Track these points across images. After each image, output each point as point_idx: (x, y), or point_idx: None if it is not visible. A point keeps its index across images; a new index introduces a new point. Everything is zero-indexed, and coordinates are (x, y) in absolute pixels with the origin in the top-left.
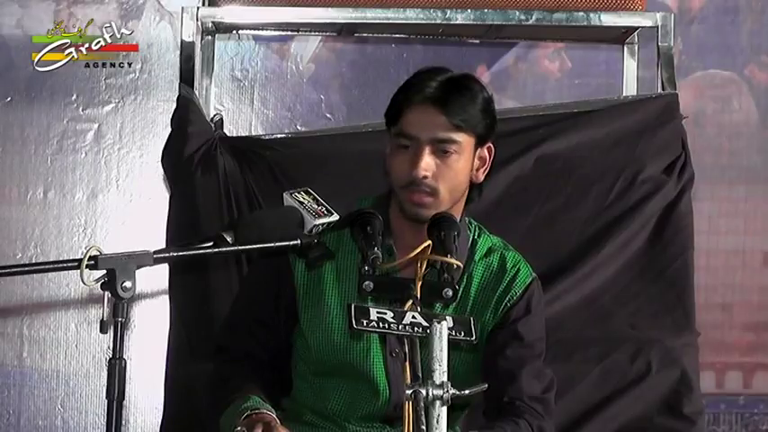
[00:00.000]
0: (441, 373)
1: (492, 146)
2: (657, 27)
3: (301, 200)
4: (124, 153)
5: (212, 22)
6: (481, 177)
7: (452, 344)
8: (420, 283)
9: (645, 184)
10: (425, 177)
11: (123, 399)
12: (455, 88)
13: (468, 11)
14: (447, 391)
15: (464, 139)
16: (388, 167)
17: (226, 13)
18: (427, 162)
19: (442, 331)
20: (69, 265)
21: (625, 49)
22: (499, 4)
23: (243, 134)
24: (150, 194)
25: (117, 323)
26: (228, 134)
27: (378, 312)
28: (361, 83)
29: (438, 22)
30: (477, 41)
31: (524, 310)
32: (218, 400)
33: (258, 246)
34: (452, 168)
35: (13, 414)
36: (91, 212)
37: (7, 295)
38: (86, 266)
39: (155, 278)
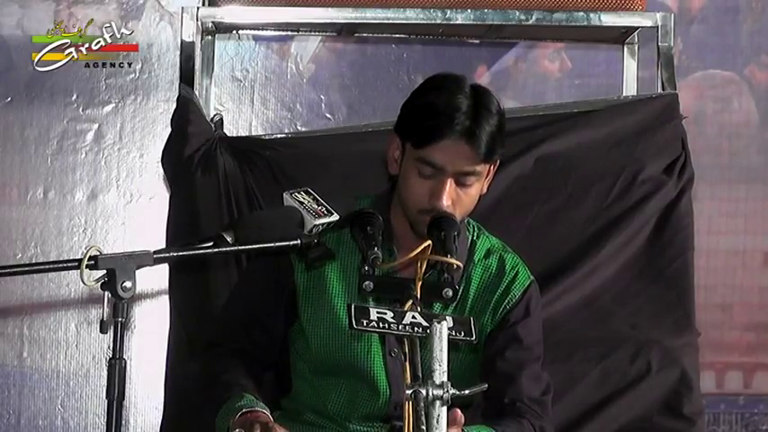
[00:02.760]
0: (441, 373)
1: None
2: (657, 27)
3: (301, 200)
4: (124, 153)
5: (212, 23)
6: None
7: (452, 344)
8: (420, 283)
9: (645, 185)
10: (447, 207)
11: (123, 399)
12: (482, 117)
13: (468, 11)
14: (447, 391)
15: (485, 169)
16: (403, 186)
17: (226, 13)
18: (450, 194)
19: (442, 331)
20: (69, 265)
21: (625, 49)
22: (499, 4)
23: (243, 134)
24: (150, 194)
25: (117, 323)
26: (228, 134)
27: (378, 312)
28: (361, 83)
29: (438, 22)
30: (477, 41)
31: (523, 312)
32: (212, 398)
33: (258, 246)
34: (471, 196)
35: (13, 414)
36: (91, 212)
37: (7, 295)
38: (86, 266)
39: (155, 278)
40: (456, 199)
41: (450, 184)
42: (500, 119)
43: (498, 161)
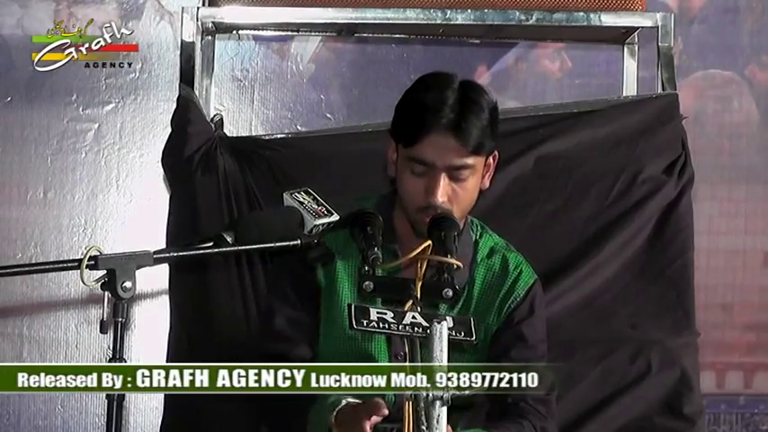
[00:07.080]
0: None
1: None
2: (657, 27)
3: (301, 200)
4: (124, 153)
5: (212, 23)
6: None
7: (453, 344)
8: (420, 283)
9: (645, 185)
10: (442, 203)
11: (123, 399)
12: (469, 110)
13: (469, 11)
14: (447, 392)
15: (477, 162)
16: (400, 187)
17: (226, 13)
18: (444, 189)
19: (442, 331)
20: (69, 265)
21: (625, 49)
22: (499, 4)
23: (243, 134)
24: (150, 194)
25: (117, 323)
26: (228, 134)
27: (378, 312)
28: (361, 83)
29: (438, 22)
30: (478, 41)
31: (528, 311)
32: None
33: (258, 246)
34: (468, 190)
35: (13, 414)
36: (91, 212)
37: (7, 295)
38: (86, 266)
39: (155, 278)
40: (452, 195)
41: (443, 180)
42: (491, 113)
43: (497, 155)
